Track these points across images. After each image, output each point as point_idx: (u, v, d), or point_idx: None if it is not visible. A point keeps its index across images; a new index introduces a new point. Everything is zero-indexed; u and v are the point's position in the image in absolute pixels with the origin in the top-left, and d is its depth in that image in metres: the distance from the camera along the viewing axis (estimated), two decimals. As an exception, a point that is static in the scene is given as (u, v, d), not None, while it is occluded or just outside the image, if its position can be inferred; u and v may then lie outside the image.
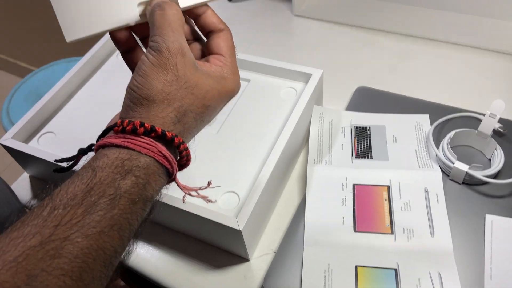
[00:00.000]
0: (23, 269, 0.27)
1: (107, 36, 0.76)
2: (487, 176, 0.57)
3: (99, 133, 0.37)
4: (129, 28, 0.40)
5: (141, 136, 0.34)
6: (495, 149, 0.60)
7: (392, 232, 0.55)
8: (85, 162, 0.34)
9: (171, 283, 0.57)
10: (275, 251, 0.57)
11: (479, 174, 0.57)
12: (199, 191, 0.41)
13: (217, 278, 0.56)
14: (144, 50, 0.38)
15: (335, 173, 0.62)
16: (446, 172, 0.60)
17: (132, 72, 0.37)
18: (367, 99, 0.72)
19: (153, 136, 0.34)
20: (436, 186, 0.59)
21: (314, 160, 0.64)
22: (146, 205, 0.34)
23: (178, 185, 0.39)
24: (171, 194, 0.52)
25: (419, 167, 0.61)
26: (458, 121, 0.65)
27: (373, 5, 0.91)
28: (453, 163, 0.58)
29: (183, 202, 0.42)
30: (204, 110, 0.37)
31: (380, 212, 0.57)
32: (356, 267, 0.53)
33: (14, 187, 0.71)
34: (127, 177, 0.32)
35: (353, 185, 0.60)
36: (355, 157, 0.64)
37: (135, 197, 0.32)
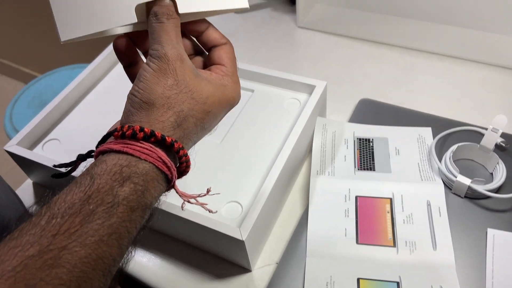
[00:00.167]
0: (21, 278, 0.27)
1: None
2: (489, 190, 0.57)
3: None
4: (129, 38, 0.41)
5: (141, 142, 0.34)
6: (497, 163, 0.60)
7: (394, 245, 0.55)
8: (84, 169, 0.34)
9: (172, 292, 0.57)
10: (277, 262, 0.57)
11: (481, 188, 0.57)
12: (198, 198, 0.41)
13: (218, 288, 0.56)
14: None
15: (337, 185, 0.62)
16: (449, 186, 0.60)
17: None
18: (370, 111, 0.73)
19: (153, 142, 0.34)
20: (438, 199, 0.59)
21: (317, 171, 0.64)
22: (145, 212, 0.34)
23: (177, 192, 0.39)
24: (174, 202, 0.52)
25: (422, 180, 0.61)
26: (461, 135, 0.66)
27: (377, 18, 0.91)
28: (456, 177, 0.59)
29: (182, 209, 0.42)
30: (204, 116, 0.37)
31: (383, 225, 0.57)
32: (358, 279, 0.53)
33: (17, 193, 0.71)
34: (125, 184, 0.32)
35: (356, 197, 0.60)
36: (358, 169, 0.64)
37: (133, 204, 0.32)
